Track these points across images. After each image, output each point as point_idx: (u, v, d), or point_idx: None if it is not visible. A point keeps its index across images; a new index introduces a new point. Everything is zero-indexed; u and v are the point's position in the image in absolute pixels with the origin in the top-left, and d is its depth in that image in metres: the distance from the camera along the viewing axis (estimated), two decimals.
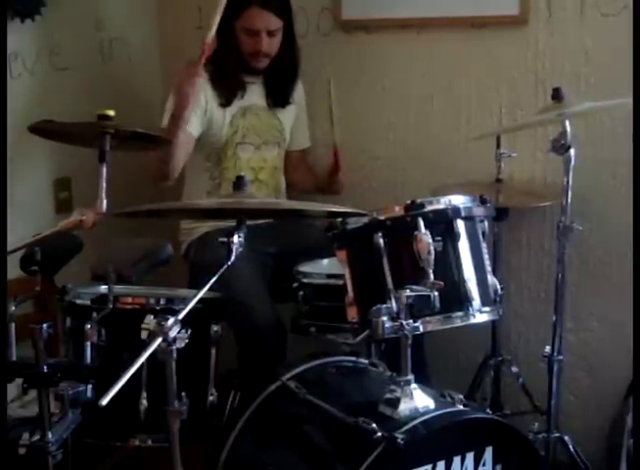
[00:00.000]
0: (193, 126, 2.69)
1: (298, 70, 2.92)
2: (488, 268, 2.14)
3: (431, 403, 1.97)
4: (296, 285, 2.30)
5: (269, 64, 2.81)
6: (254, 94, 2.88)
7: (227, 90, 2.80)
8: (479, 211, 2.14)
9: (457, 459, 1.93)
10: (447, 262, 2.04)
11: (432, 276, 1.95)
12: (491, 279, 2.13)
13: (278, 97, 2.91)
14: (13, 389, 1.92)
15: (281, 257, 2.77)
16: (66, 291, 2.16)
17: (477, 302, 2.06)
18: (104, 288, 2.08)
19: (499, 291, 2.14)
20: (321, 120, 3.06)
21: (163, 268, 2.21)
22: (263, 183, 2.88)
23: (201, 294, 1.79)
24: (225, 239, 1.83)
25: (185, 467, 1.76)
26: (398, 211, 2.05)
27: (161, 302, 2.12)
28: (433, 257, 1.96)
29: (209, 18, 2.59)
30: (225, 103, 2.80)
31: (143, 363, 1.61)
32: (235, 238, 1.83)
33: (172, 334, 1.66)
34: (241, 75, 2.83)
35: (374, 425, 1.88)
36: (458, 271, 2.06)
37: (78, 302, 2.14)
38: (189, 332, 1.72)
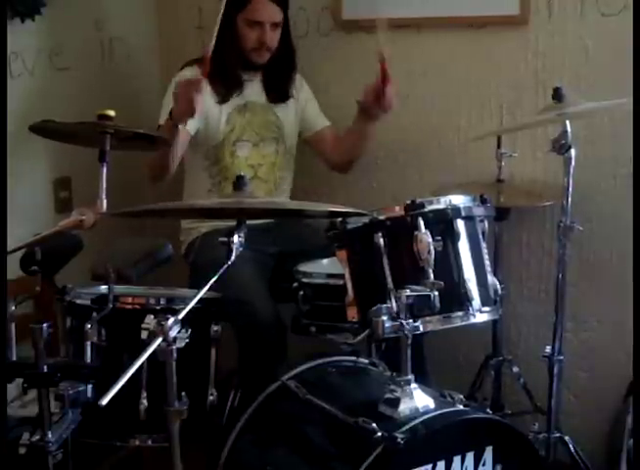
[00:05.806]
0: (189, 123, 2.66)
1: (296, 62, 2.90)
2: (488, 268, 2.13)
3: (431, 403, 1.97)
4: (296, 285, 2.30)
5: (268, 59, 2.80)
6: (252, 91, 2.86)
7: (225, 88, 2.79)
8: (479, 210, 2.14)
9: (457, 459, 1.92)
10: (447, 262, 2.04)
11: (432, 276, 1.96)
12: (491, 279, 2.13)
13: (278, 92, 2.89)
14: (13, 389, 1.92)
15: (281, 256, 2.77)
16: (66, 291, 2.15)
17: (477, 301, 2.06)
18: (104, 288, 2.08)
19: (499, 291, 2.13)
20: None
21: (163, 268, 2.21)
22: (262, 180, 2.86)
23: (201, 294, 1.79)
24: (225, 239, 1.83)
25: (185, 467, 1.76)
26: (398, 210, 2.05)
27: (161, 302, 2.11)
28: (433, 256, 1.96)
29: (210, 19, 2.58)
30: (222, 100, 2.79)
31: (143, 363, 1.60)
32: (235, 238, 1.83)
33: (172, 334, 1.66)
34: (240, 73, 2.83)
35: (374, 425, 1.88)
36: (458, 271, 2.05)
37: (78, 302, 2.14)
38: (189, 332, 1.73)
